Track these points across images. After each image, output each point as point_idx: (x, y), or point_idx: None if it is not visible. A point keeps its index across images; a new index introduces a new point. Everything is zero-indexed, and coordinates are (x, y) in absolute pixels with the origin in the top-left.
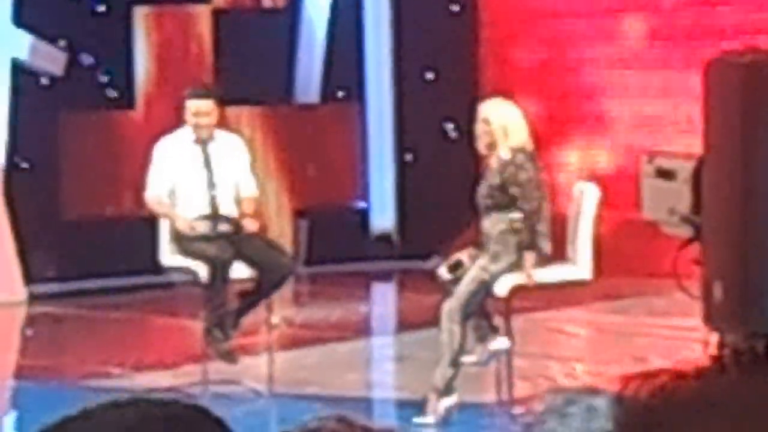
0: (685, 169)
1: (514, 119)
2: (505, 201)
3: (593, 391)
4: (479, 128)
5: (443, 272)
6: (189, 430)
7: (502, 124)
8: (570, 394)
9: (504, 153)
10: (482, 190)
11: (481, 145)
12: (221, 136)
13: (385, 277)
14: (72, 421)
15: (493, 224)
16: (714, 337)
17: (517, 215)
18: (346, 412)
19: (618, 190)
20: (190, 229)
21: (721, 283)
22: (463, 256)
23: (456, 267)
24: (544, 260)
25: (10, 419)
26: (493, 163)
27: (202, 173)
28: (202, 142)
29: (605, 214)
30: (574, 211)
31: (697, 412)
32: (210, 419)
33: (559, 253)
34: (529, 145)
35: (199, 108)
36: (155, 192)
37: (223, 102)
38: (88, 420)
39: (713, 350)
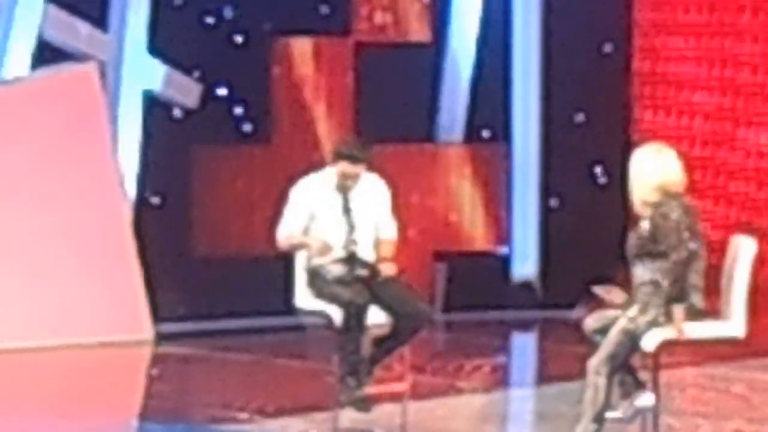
0: None
1: (669, 166)
2: (655, 250)
3: None
4: (633, 176)
5: (589, 324)
6: None
7: (657, 172)
8: None
9: (656, 201)
10: (632, 238)
11: (635, 195)
12: (363, 177)
13: (526, 326)
14: None
15: (641, 274)
16: None
17: (665, 266)
18: None
19: None
20: (324, 253)
21: None
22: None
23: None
24: (695, 314)
25: None
26: (646, 211)
27: (340, 218)
28: (345, 189)
29: (762, 268)
30: (728, 264)
31: None
32: None
33: (712, 308)
34: (683, 193)
35: (348, 172)
36: (290, 229)
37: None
38: None
39: None
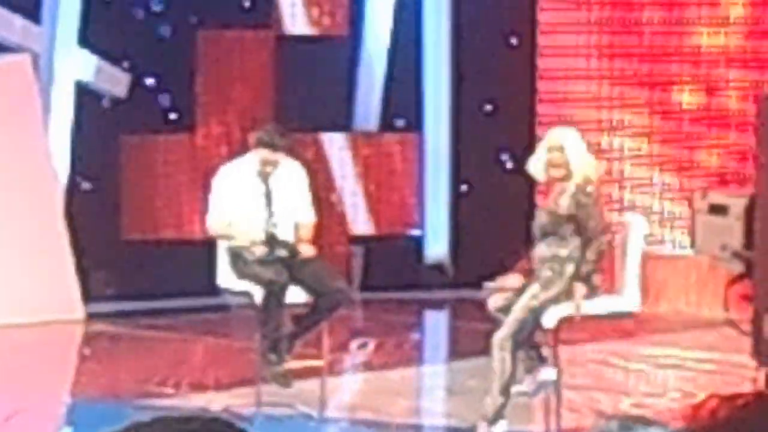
0: (737, 204)
1: (585, 149)
2: (568, 230)
3: (645, 421)
4: (552, 156)
5: (493, 302)
6: None
7: (577, 152)
8: (623, 421)
9: (577, 182)
10: (542, 216)
11: (554, 173)
12: (283, 163)
13: (438, 305)
14: None
15: (545, 252)
16: (762, 373)
17: (573, 245)
18: None
19: (667, 224)
20: (250, 244)
21: None
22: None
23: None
24: (593, 292)
25: None
26: (563, 190)
27: (261, 201)
28: (265, 175)
29: (654, 247)
30: (621, 243)
31: None
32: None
33: (608, 285)
34: (595, 177)
35: (268, 158)
36: (217, 218)
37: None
38: None
39: (761, 386)
